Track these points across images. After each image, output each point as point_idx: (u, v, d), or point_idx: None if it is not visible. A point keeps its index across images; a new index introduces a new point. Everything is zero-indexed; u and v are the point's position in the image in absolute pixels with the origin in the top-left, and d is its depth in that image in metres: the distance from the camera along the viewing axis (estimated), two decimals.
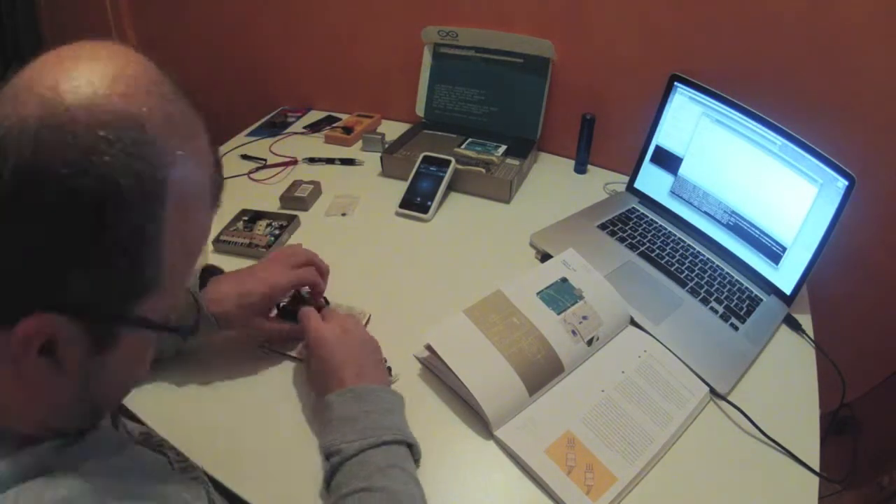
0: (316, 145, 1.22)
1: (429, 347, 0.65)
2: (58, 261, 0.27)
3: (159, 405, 0.63)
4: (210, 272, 0.66)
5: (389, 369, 0.67)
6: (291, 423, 0.63)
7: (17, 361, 0.29)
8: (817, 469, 0.59)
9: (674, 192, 0.93)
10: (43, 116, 0.27)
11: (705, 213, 0.89)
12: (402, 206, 0.98)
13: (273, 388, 0.67)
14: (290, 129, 1.29)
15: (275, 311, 0.70)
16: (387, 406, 0.56)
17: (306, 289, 0.72)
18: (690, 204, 0.91)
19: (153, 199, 0.29)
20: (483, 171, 1.03)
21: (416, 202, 0.98)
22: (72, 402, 0.33)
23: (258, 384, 0.67)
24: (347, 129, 1.23)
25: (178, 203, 0.30)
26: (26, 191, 0.26)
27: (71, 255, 0.27)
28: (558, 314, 0.70)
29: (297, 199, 0.99)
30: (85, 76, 0.28)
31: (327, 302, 0.74)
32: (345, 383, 0.57)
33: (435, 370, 0.68)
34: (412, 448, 0.55)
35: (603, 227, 0.91)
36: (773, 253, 0.80)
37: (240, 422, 0.63)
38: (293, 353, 0.70)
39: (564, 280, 0.74)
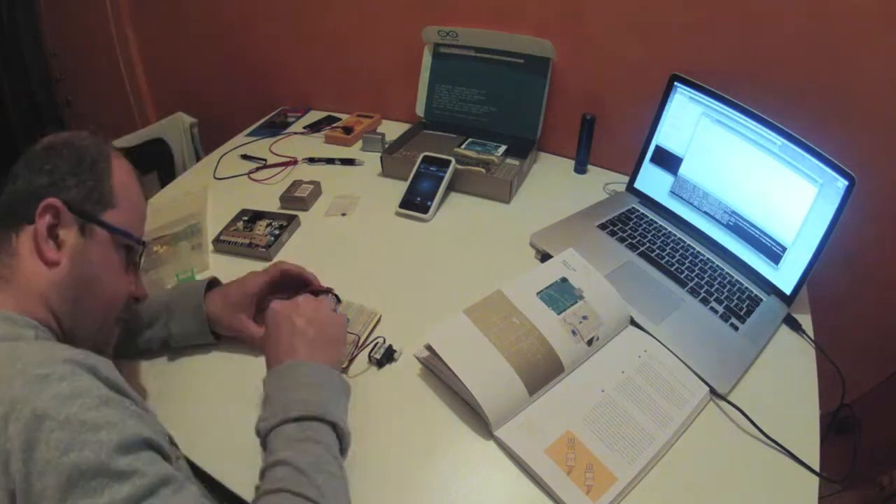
0: (316, 145, 1.22)
1: (429, 347, 0.65)
2: (61, 177, 0.52)
3: (156, 402, 0.63)
4: (212, 284, 0.72)
5: (392, 351, 0.69)
6: None
7: (37, 238, 0.49)
8: (817, 469, 0.59)
9: (674, 192, 0.93)
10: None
11: (705, 213, 0.89)
12: (402, 206, 0.98)
13: None
14: (290, 129, 1.29)
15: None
16: (308, 381, 0.52)
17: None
18: (690, 204, 0.91)
19: (104, 158, 0.55)
20: (483, 171, 1.03)
21: (416, 202, 0.98)
22: (65, 283, 0.49)
23: (257, 379, 0.67)
24: (347, 129, 1.23)
25: (116, 167, 0.56)
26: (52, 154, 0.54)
27: (67, 176, 0.52)
28: (558, 314, 0.70)
29: (297, 199, 0.99)
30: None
31: (339, 300, 0.75)
32: (276, 362, 0.55)
33: (435, 370, 0.68)
34: (336, 428, 0.50)
35: (603, 227, 0.91)
36: (773, 253, 0.80)
37: (236, 419, 0.63)
38: None
39: (564, 280, 0.74)
